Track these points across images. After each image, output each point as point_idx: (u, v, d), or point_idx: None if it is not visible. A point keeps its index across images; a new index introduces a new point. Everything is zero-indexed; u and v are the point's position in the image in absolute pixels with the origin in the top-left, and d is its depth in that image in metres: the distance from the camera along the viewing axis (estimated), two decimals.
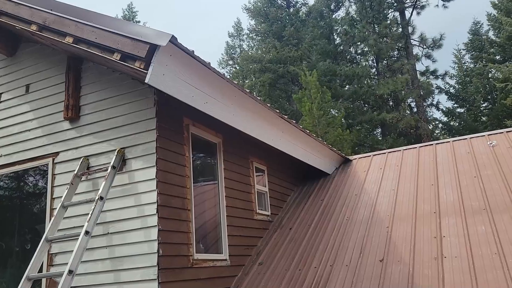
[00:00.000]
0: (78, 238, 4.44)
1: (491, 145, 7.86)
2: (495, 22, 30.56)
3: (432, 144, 8.83)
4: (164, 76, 4.37)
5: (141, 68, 4.24)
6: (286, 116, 6.70)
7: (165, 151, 5.08)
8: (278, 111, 6.47)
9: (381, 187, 7.65)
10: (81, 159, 5.31)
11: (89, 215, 4.60)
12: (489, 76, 31.87)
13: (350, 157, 9.48)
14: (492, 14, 31.44)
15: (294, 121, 6.99)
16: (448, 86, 33.01)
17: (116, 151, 5.06)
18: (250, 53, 27.15)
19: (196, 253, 5.31)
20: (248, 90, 5.66)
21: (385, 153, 9.18)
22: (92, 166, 5.31)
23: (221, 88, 5.27)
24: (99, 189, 4.85)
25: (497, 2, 29.82)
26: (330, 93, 20.91)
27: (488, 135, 8.42)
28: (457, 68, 35.45)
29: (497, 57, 30.07)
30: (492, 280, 4.48)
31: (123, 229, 4.95)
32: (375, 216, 6.72)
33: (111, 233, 5.02)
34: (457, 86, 33.51)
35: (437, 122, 32.53)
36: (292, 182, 8.61)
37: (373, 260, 5.57)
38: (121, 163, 5.08)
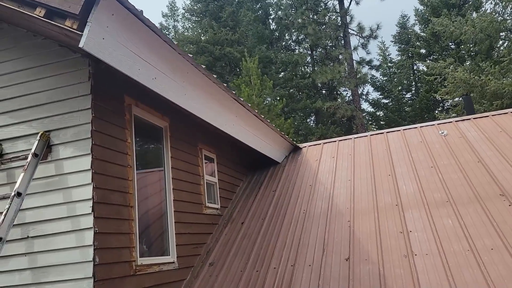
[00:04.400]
0: None
1: (443, 134, 7.75)
2: (422, 17, 31.82)
3: (383, 133, 8.59)
4: (104, 41, 3.46)
5: (73, 29, 3.32)
6: (242, 99, 5.97)
7: (102, 136, 4.16)
8: (234, 92, 5.73)
9: (336, 177, 7.23)
10: None
11: (3, 216, 3.61)
12: (414, 69, 33.40)
13: (300, 145, 9.00)
14: (419, 10, 32.71)
15: (249, 105, 6.29)
16: (374, 77, 34.02)
17: (39, 135, 4.04)
18: (185, 34, 25.78)
19: (139, 257, 4.48)
20: (203, 66, 4.85)
21: (335, 141, 8.80)
22: (7, 153, 4.24)
23: (172, 62, 4.43)
24: (16, 183, 3.83)
25: None
26: (269, 80, 20.46)
27: (438, 124, 8.33)
28: (381, 59, 36.46)
29: (422, 51, 31.44)
30: (471, 281, 4.16)
31: (48, 232, 3.99)
32: (334, 209, 6.26)
33: (31, 237, 4.03)
34: (382, 78, 34.56)
35: (364, 114, 33.55)
36: (241, 171, 7.95)
37: (338, 259, 5.08)
38: (46, 150, 4.07)
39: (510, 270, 4.15)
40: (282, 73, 28.84)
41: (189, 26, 29.51)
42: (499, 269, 4.20)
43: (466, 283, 4.17)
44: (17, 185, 3.79)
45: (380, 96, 33.59)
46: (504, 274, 4.12)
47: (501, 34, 18.12)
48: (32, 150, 3.92)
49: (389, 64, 34.65)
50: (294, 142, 8.69)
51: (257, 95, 19.25)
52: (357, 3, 27.28)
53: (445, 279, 4.30)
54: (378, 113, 33.24)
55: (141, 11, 3.65)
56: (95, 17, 3.29)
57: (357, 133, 21.87)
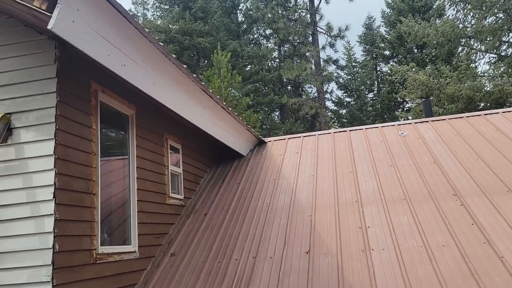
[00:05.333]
0: None
1: (403, 135, 8.04)
2: (388, 19, 32.58)
3: (346, 131, 8.81)
4: (74, 24, 3.38)
5: (42, 10, 3.21)
6: (210, 91, 5.97)
7: (67, 121, 4.07)
8: (203, 83, 5.72)
9: (299, 172, 7.37)
10: None
11: None
12: (377, 70, 34.24)
13: (265, 139, 9.09)
14: (386, 12, 33.49)
15: (217, 97, 6.30)
16: (339, 76, 34.49)
17: None
18: (155, 23, 25.32)
19: (100, 246, 4.42)
20: (174, 56, 4.81)
21: (300, 137, 8.95)
22: None
23: (143, 50, 4.37)
24: None
25: (390, 2, 31.81)
26: (238, 75, 20.46)
27: (398, 124, 8.64)
28: (346, 58, 36.99)
29: (386, 53, 32.24)
30: (423, 275, 4.38)
31: (6, 217, 3.88)
32: (296, 203, 6.39)
33: None
34: (346, 77, 35.11)
35: (328, 112, 34.06)
36: (206, 163, 7.95)
37: (298, 252, 5.21)
38: (6, 133, 3.94)
39: (459, 266, 4.40)
40: (248, 66, 28.85)
41: (159, 15, 28.98)
42: (449, 265, 4.45)
43: (419, 277, 4.38)
44: None
45: (344, 95, 34.24)
46: (454, 270, 4.36)
47: (461, 40, 18.91)
48: None
49: (353, 64, 35.30)
50: (260, 136, 8.77)
51: (226, 87, 19.21)
52: (327, 2, 27.63)
53: (399, 273, 4.51)
54: (341, 111, 33.91)
55: None
56: None
57: (321, 130, 22.28)
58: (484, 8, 16.66)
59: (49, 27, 3.16)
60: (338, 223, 5.66)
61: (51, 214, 3.77)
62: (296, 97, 25.99)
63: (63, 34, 3.29)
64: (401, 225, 5.34)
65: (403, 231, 5.22)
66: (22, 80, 4.00)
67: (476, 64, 20.26)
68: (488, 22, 17.02)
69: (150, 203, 5.55)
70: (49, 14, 3.18)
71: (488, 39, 17.00)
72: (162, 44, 4.55)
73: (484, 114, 8.09)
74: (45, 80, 3.96)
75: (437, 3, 26.06)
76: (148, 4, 31.20)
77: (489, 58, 19.29)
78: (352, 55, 35.92)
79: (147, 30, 4.27)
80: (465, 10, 18.29)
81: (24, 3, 3.23)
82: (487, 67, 19.88)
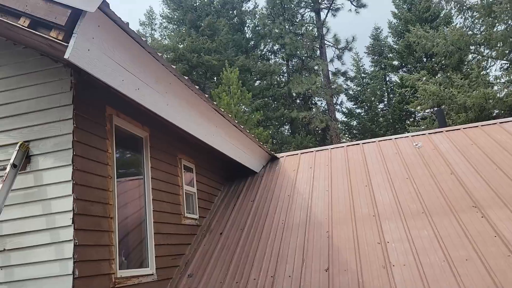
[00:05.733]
0: None
1: (417, 146, 7.97)
2: (395, 30, 32.57)
3: (359, 144, 8.76)
4: (89, 53, 3.43)
5: (59, 40, 3.27)
6: (222, 110, 6.00)
7: (83, 147, 4.11)
8: (215, 103, 5.75)
9: (313, 187, 7.33)
10: None
11: None
12: (387, 80, 34.11)
13: (278, 155, 9.08)
14: (392, 22, 33.50)
15: (229, 115, 6.33)
16: (348, 87, 34.38)
17: (18, 145, 3.96)
18: (163, 43, 25.72)
19: (119, 269, 4.41)
20: (186, 77, 4.85)
21: (312, 151, 8.92)
22: None
23: (156, 73, 4.42)
24: None
25: (397, 12, 31.85)
26: (248, 91, 20.60)
27: (412, 136, 8.56)
28: (355, 70, 36.93)
29: (395, 63, 32.16)
30: None
31: (25, 244, 3.90)
32: (312, 219, 6.34)
33: (8, 249, 3.92)
34: (355, 88, 35.00)
35: (338, 124, 33.92)
36: (219, 181, 7.94)
37: (317, 269, 5.15)
38: (25, 161, 3.99)
39: (484, 281, 4.30)
40: (258, 81, 29.02)
41: (167, 34, 29.41)
42: (474, 279, 4.35)
43: None
44: None
45: (354, 106, 34.09)
46: (479, 284, 4.26)
47: (471, 47, 18.77)
48: (11, 161, 3.83)
49: (362, 75, 35.23)
50: (272, 152, 8.76)
51: (236, 104, 19.32)
52: (334, 15, 27.82)
53: None
54: (351, 123, 33.76)
55: (127, 23, 3.65)
56: (81, 28, 3.27)
57: (332, 143, 22.19)
58: (492, 16, 16.56)
59: (65, 56, 3.22)
60: (356, 238, 5.59)
61: (70, 240, 3.79)
62: (306, 111, 26.01)
63: (79, 63, 3.34)
64: (421, 240, 5.25)
65: (424, 245, 5.12)
66: (39, 108, 4.06)
67: (488, 71, 20.07)
68: (497, 29, 16.91)
69: (166, 224, 5.54)
70: (66, 44, 3.24)
71: (498, 45, 16.86)
72: (174, 67, 4.60)
73: (500, 122, 7.98)
74: (62, 107, 4.01)
75: (444, 12, 26.01)
76: (155, 24, 31.70)
77: (501, 65, 19.11)
78: (361, 66, 35.89)
79: (159, 54, 4.32)
80: (473, 18, 18.22)
81: (42, 34, 3.29)
82: (499, 73, 19.64)
